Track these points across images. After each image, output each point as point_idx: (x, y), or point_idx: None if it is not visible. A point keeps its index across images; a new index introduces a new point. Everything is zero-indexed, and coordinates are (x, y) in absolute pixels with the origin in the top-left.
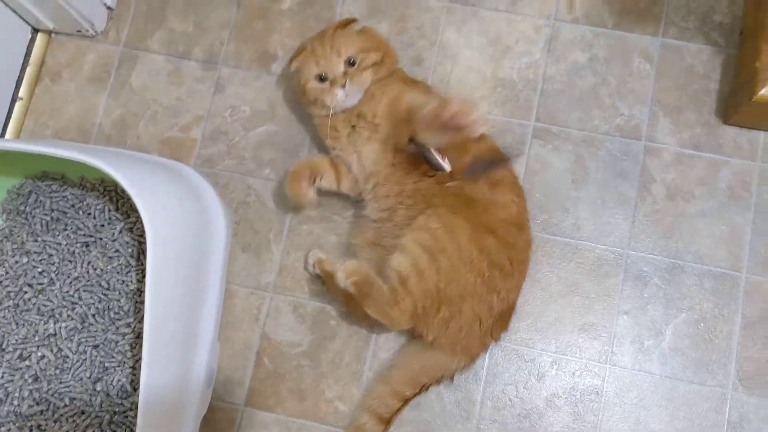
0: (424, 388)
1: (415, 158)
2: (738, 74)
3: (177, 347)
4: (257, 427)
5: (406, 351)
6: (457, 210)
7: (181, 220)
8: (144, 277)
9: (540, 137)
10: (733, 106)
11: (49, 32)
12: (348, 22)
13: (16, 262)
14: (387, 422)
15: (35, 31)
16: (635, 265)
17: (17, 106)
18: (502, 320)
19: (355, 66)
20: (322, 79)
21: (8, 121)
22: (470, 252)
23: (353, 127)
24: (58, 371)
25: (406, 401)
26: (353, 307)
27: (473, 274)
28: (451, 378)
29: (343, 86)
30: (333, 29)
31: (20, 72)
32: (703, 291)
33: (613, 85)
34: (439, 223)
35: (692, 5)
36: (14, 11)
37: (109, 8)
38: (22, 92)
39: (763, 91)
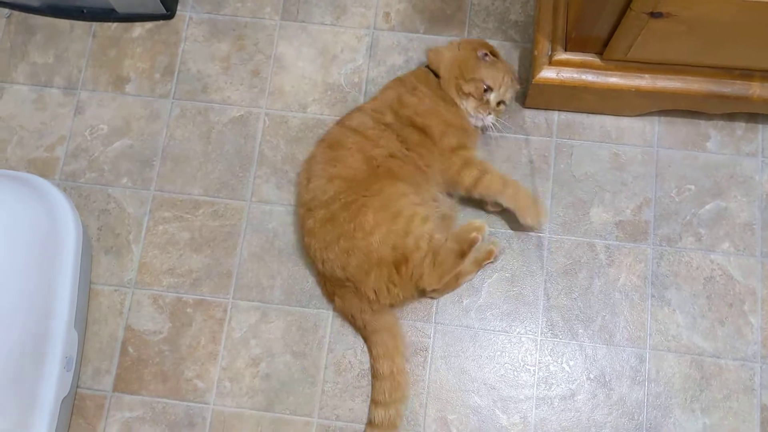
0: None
1: None
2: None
3: (25, 334)
4: (124, 410)
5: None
6: None
7: (26, 225)
8: None
9: None
10: (526, 90)
11: None
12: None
13: None
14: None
15: None
16: None
17: None
18: None
19: None
20: None
21: None
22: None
23: None
24: None
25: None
26: None
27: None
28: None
29: None
30: None
31: None
32: (513, 252)
33: None
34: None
35: (491, 8)
36: None
37: None
38: None
39: (540, 74)
